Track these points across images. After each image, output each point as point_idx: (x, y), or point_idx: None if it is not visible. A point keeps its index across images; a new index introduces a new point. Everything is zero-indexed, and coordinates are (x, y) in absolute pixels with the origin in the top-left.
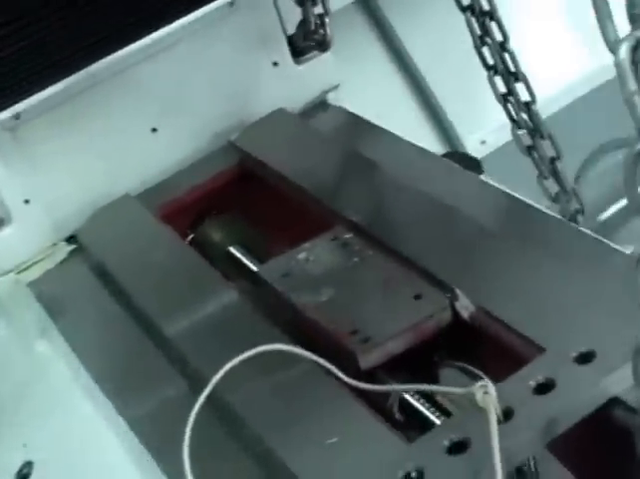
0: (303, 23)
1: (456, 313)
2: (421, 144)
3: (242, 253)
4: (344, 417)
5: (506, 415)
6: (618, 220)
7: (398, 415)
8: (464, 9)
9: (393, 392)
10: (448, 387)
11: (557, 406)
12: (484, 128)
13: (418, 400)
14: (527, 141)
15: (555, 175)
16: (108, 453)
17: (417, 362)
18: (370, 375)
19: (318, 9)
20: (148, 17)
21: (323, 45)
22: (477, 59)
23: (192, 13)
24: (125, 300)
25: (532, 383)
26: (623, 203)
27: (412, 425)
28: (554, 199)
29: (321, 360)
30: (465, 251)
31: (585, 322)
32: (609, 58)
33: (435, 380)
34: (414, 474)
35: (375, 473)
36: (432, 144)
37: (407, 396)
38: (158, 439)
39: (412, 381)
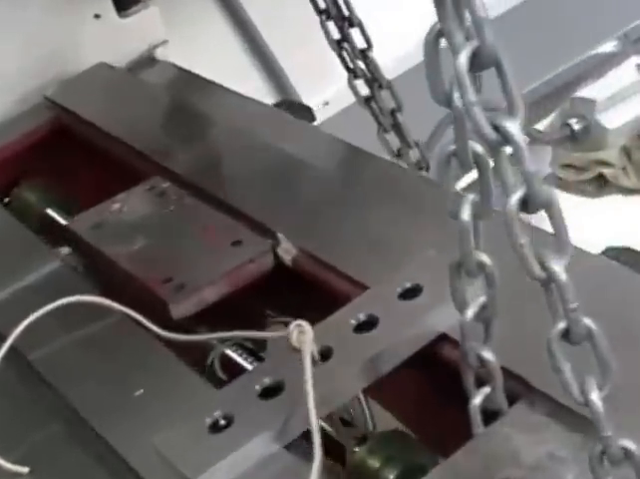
0: None
1: (279, 259)
2: None
3: (61, 215)
4: (152, 368)
5: (325, 356)
6: None
7: (220, 373)
8: None
9: (215, 348)
10: (263, 332)
11: (380, 345)
12: (327, 89)
13: (240, 355)
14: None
15: (396, 128)
16: None
17: (243, 315)
18: (190, 328)
19: None
20: None
21: None
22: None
23: None
24: None
25: (353, 322)
26: None
27: None
28: (397, 154)
29: (129, 311)
30: (289, 197)
31: (411, 260)
32: None
33: None
34: (222, 421)
35: (181, 423)
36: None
37: (229, 351)
38: None
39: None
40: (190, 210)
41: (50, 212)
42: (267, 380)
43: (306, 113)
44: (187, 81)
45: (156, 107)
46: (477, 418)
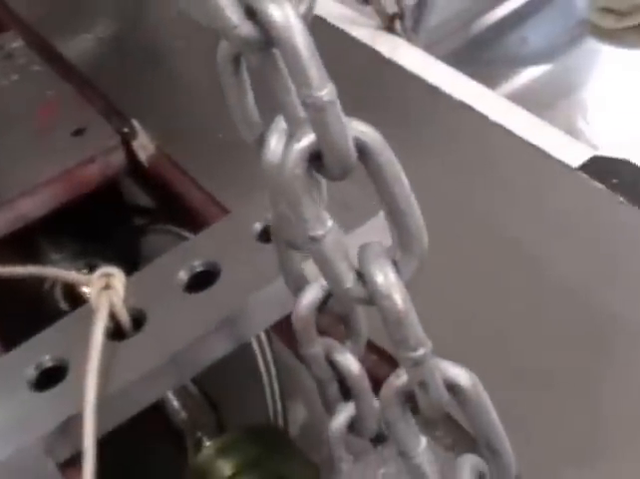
0: None
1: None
2: None
3: None
4: None
5: (138, 323)
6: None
7: (63, 303)
8: None
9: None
10: (60, 270)
11: (218, 311)
12: None
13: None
14: None
15: None
16: None
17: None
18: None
19: None
20: None
21: None
22: None
23: None
24: None
25: (184, 275)
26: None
27: None
28: None
29: None
30: (166, 77)
31: None
32: None
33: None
34: None
35: None
36: None
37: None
38: None
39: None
40: (34, 82)
41: None
42: (48, 359)
43: None
44: None
45: None
46: (337, 448)
